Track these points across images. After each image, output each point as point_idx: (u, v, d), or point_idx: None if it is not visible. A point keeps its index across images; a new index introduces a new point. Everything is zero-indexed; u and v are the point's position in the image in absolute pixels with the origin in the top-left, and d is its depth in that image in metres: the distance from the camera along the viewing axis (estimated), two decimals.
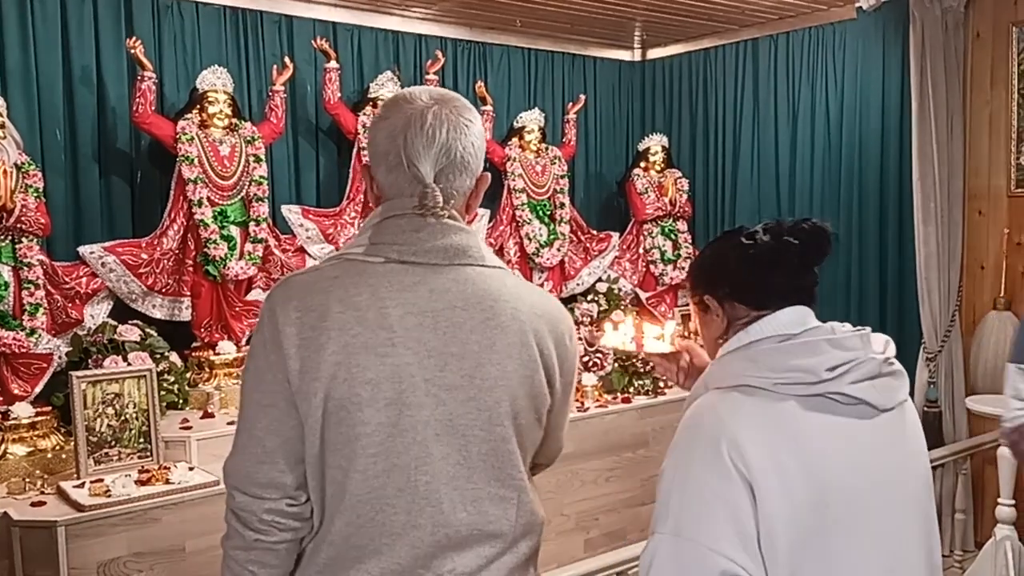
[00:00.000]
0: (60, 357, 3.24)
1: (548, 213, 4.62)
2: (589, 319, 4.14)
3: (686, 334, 4.68)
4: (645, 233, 4.88)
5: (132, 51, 3.44)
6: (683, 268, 4.87)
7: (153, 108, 3.52)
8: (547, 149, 4.67)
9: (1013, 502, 3.46)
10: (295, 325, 1.19)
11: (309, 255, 3.96)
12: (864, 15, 4.25)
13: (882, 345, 1.27)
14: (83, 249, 3.40)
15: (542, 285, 4.56)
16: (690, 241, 4.98)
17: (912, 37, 3.96)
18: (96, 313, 3.41)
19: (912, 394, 4.49)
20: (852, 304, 4.35)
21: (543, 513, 1.33)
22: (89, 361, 3.16)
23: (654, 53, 5.47)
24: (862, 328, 1.26)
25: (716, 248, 1.36)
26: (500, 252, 4.54)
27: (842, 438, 1.17)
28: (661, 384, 4.19)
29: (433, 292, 1.21)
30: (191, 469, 2.93)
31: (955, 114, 4.03)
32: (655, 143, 4.94)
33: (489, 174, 1.34)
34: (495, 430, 1.21)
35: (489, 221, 4.52)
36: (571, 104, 4.88)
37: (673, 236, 4.91)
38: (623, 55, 5.46)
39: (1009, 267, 3.98)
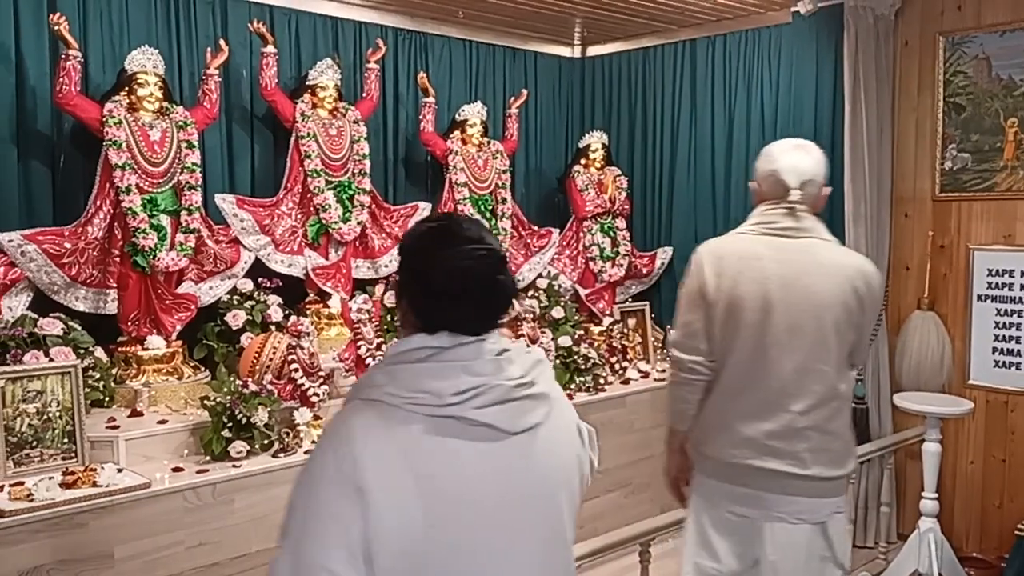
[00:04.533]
0: None
1: (490, 208, 4.58)
2: (532, 315, 4.12)
3: (625, 331, 4.72)
4: (585, 230, 4.89)
5: (56, 27, 3.24)
6: (622, 265, 4.91)
7: (78, 89, 3.32)
8: (489, 143, 4.63)
9: (936, 495, 3.62)
10: (709, 264, 2.16)
11: (244, 246, 3.81)
12: (800, 20, 4.36)
13: (525, 367, 1.27)
14: (0, 237, 3.18)
15: None
16: (628, 239, 5.02)
17: (846, 43, 4.07)
18: (15, 305, 3.20)
19: None
20: None
21: (848, 388, 2.19)
22: (7, 356, 2.95)
23: (594, 50, 5.49)
24: (506, 350, 1.26)
25: (428, 258, 1.26)
26: None
27: (467, 461, 1.19)
28: (602, 381, 4.21)
29: (783, 250, 2.13)
30: (120, 471, 2.78)
31: (884, 119, 4.17)
32: (596, 140, 4.95)
33: (830, 187, 2.25)
34: (820, 327, 2.08)
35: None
36: (513, 98, 4.84)
37: (612, 233, 4.94)
38: (563, 51, 5.46)
39: (933, 268, 4.14)
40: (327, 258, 4.06)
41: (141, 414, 3.20)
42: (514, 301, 1.29)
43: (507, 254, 1.28)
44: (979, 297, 4.02)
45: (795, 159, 2.16)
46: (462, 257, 1.22)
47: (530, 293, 4.53)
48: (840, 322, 2.09)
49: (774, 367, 2.08)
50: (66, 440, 2.82)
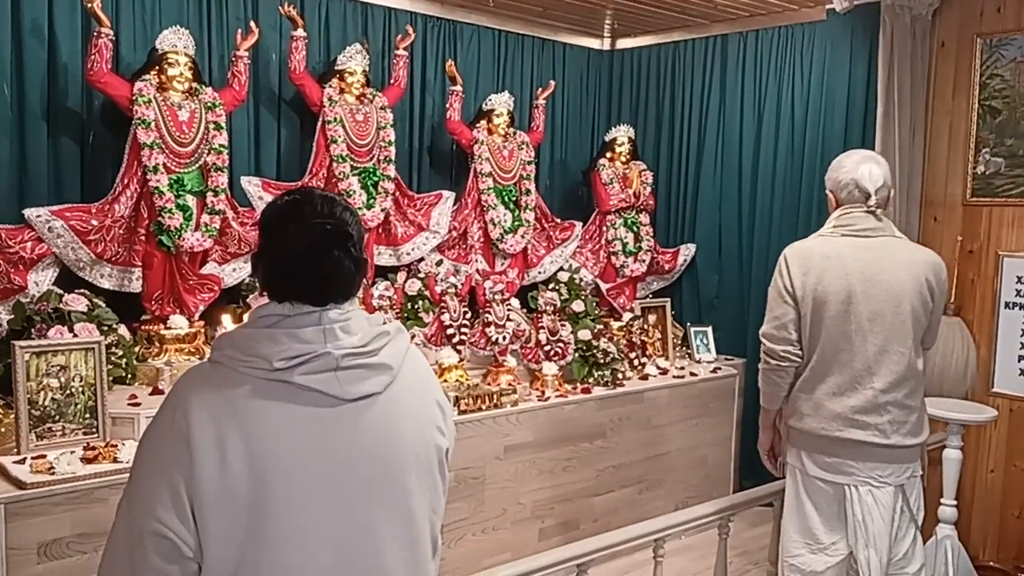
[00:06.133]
0: (1, 325, 3.07)
1: (514, 199, 4.57)
2: (552, 308, 4.10)
3: (645, 326, 4.69)
4: (608, 224, 4.86)
5: (88, 5, 3.26)
6: (644, 261, 4.88)
7: (109, 67, 3.35)
8: (515, 134, 4.60)
9: (955, 503, 3.56)
10: (795, 264, 2.51)
11: None
12: (834, 17, 4.30)
13: (366, 339, 1.30)
14: (29, 212, 3.22)
15: (504, 272, 4.51)
16: (652, 235, 4.99)
17: (882, 43, 4.01)
18: (40, 280, 3.24)
19: None
20: None
21: (922, 367, 2.53)
22: (32, 330, 2.99)
23: (623, 43, 5.45)
24: (348, 320, 1.30)
25: (274, 232, 1.32)
26: (464, 236, 4.47)
27: (296, 423, 1.24)
28: (620, 376, 4.19)
29: (863, 248, 2.47)
30: None
31: (917, 121, 4.11)
32: (622, 134, 4.92)
33: (893, 189, 2.62)
34: (898, 313, 2.45)
35: (454, 204, 4.44)
36: (541, 89, 4.82)
37: (635, 228, 4.91)
38: (592, 43, 5.42)
39: (960, 274, 4.08)
40: None
41: (162, 392, 3.22)
42: (356, 277, 1.32)
43: (357, 230, 1.32)
44: (1007, 304, 3.95)
45: (870, 168, 2.51)
46: (304, 233, 1.28)
47: (551, 286, 4.52)
48: (916, 309, 2.46)
49: (858, 349, 2.44)
50: (88, 415, 2.85)
